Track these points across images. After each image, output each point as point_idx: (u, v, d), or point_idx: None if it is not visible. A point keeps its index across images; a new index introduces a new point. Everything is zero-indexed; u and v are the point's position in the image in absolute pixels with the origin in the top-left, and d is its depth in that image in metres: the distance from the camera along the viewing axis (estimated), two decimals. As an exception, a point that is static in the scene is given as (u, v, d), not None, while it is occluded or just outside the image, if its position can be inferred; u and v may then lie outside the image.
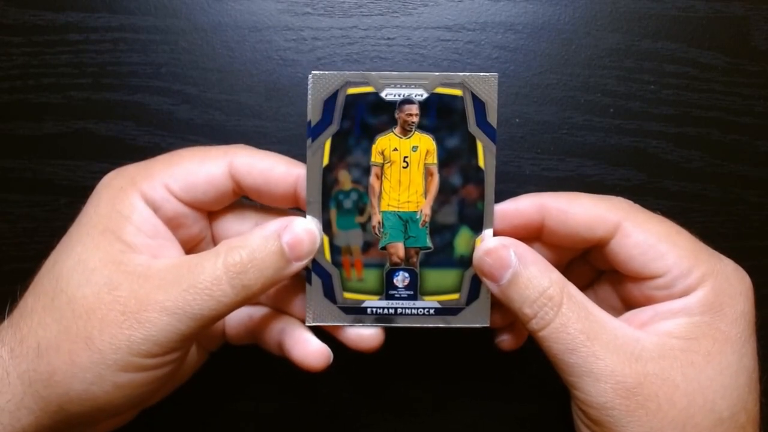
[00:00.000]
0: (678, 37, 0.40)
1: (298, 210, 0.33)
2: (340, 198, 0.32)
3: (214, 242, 0.34)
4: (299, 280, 0.34)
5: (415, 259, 0.32)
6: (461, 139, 0.32)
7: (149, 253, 0.30)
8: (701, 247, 0.31)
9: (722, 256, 0.31)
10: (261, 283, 0.29)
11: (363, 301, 0.33)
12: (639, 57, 0.40)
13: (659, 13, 0.40)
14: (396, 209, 0.32)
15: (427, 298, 0.33)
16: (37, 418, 0.28)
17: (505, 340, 0.35)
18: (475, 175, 0.32)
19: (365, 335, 0.33)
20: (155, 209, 0.31)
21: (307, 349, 0.33)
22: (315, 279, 0.32)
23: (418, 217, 0.32)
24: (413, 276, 0.33)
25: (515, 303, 0.30)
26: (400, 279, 0.33)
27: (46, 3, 0.40)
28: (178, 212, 0.32)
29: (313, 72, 0.31)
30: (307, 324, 0.33)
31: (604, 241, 0.31)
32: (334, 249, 0.32)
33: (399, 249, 0.32)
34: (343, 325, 0.33)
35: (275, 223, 0.31)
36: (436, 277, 0.32)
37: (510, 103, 0.40)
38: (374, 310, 0.33)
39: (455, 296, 0.33)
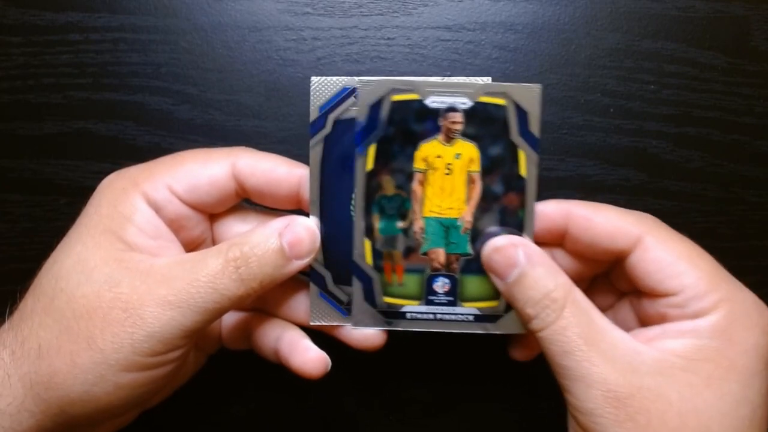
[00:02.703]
0: (678, 37, 0.40)
1: (301, 213, 0.33)
2: (383, 203, 0.32)
3: (215, 245, 0.34)
4: (297, 285, 0.34)
5: (455, 266, 0.32)
6: (504, 147, 0.32)
7: (150, 254, 0.30)
8: (723, 273, 0.30)
9: (743, 287, 0.30)
10: (261, 278, 0.30)
11: (403, 306, 0.33)
12: (639, 57, 0.40)
13: (659, 13, 0.40)
14: (438, 215, 0.32)
15: (466, 304, 0.33)
16: (38, 420, 0.28)
17: (519, 351, 0.35)
18: (517, 184, 0.32)
19: (371, 334, 0.33)
20: (157, 210, 0.31)
21: (306, 356, 0.32)
22: (356, 282, 0.33)
23: (459, 223, 0.32)
24: (453, 282, 0.33)
25: (519, 302, 0.30)
26: (440, 285, 0.33)
27: (46, 3, 0.40)
28: (180, 213, 0.32)
29: (360, 78, 0.31)
30: (353, 328, 0.33)
31: (624, 253, 0.31)
32: (376, 253, 0.32)
33: (440, 255, 0.32)
34: (341, 325, 0.33)
35: (277, 222, 0.31)
36: (475, 283, 0.32)
37: (510, 103, 0.40)
38: (414, 315, 0.33)
39: (494, 303, 0.33)
